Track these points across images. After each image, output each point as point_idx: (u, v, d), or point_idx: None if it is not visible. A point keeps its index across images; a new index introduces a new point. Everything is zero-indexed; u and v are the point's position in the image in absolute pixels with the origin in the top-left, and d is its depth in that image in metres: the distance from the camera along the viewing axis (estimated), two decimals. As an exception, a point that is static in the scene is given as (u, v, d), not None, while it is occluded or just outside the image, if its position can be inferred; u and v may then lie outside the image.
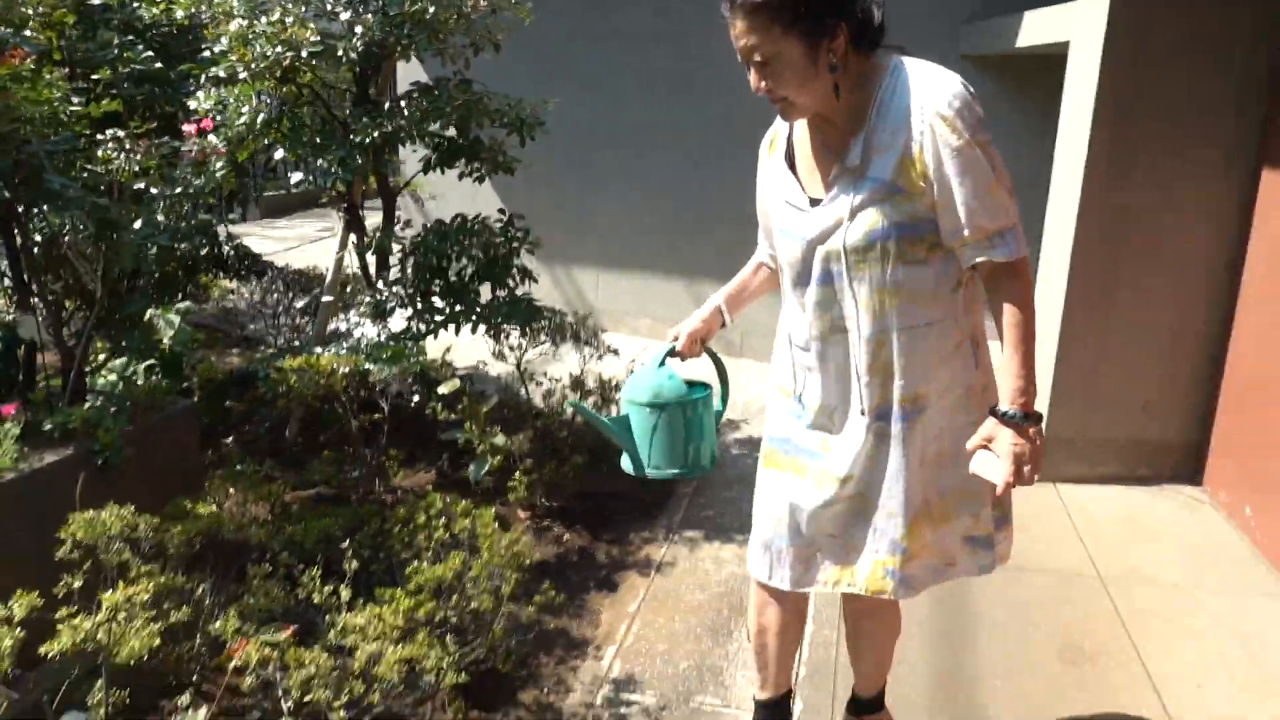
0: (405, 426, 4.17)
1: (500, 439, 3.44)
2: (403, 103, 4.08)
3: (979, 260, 1.68)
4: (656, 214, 6.17)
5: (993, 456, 1.68)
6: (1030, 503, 3.76)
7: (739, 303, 2.13)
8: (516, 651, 2.77)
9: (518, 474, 3.71)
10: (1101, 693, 2.62)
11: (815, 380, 1.87)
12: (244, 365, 4.73)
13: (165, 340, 3.63)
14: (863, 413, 1.82)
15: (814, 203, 1.77)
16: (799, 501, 1.92)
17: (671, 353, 2.04)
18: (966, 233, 1.65)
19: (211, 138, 3.77)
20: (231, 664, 2.11)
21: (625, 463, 2.03)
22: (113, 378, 3.35)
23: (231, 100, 3.88)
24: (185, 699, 2.44)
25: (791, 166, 1.83)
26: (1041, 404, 3.71)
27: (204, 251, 4.80)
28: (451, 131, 4.19)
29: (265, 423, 4.40)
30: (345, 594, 2.33)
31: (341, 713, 2.03)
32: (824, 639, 2.84)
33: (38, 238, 3.24)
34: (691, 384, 2.02)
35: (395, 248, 4.26)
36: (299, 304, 4.75)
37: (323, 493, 3.78)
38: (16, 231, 3.14)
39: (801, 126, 1.82)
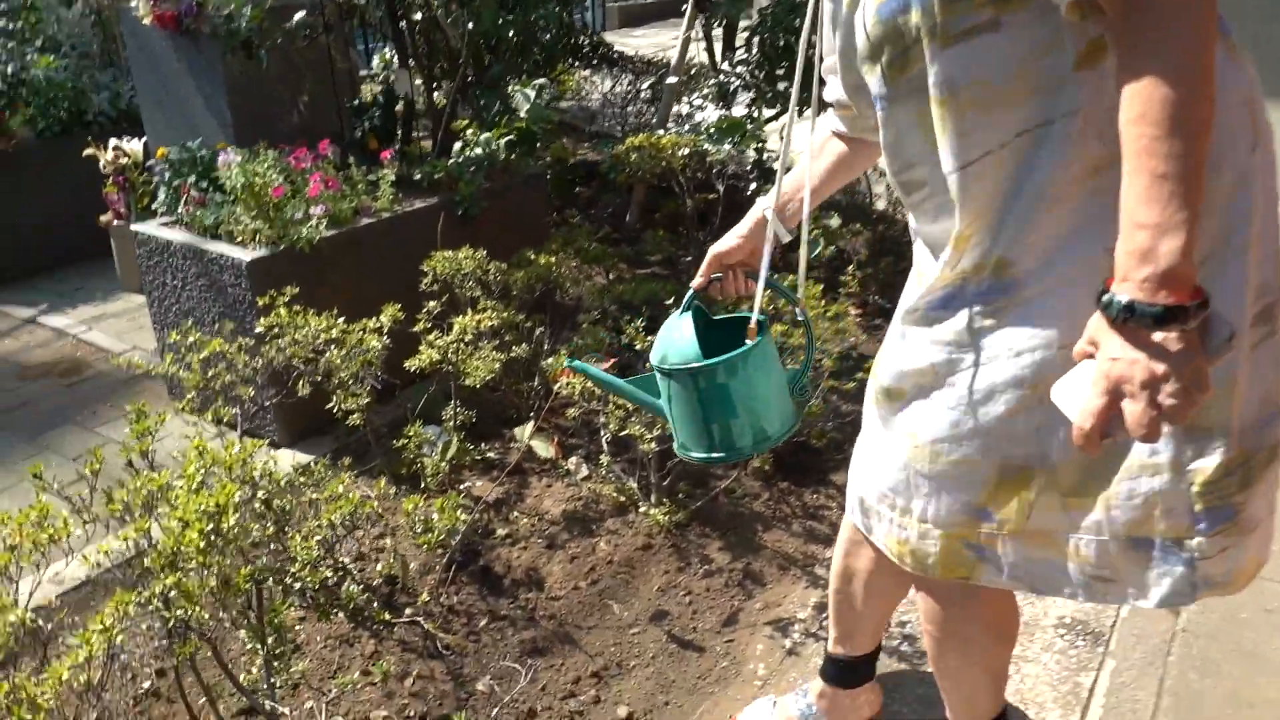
0: (739, 211, 4.09)
1: (835, 221, 3.24)
2: None
3: None
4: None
5: (1087, 375, 0.92)
6: None
7: (803, 202, 1.35)
8: (833, 434, 2.68)
9: (850, 268, 3.52)
10: None
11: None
12: (591, 158, 4.89)
13: (522, 113, 3.81)
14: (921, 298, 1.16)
15: None
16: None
17: (702, 294, 1.42)
18: None
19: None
20: (555, 388, 2.21)
21: None
22: (478, 151, 3.60)
23: None
24: (522, 430, 2.65)
25: None
26: None
27: (562, 42, 4.95)
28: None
29: (608, 208, 4.56)
30: (665, 345, 2.34)
31: (653, 445, 2.07)
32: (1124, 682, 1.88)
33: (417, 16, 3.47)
34: (754, 322, 1.35)
35: (742, 23, 4.06)
36: (644, 86, 4.76)
37: (656, 272, 3.86)
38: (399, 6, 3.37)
39: None
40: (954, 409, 1.12)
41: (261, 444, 1.57)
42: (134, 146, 3.86)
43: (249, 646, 1.53)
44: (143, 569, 1.36)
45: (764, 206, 1.37)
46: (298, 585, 1.39)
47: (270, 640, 1.34)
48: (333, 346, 2.20)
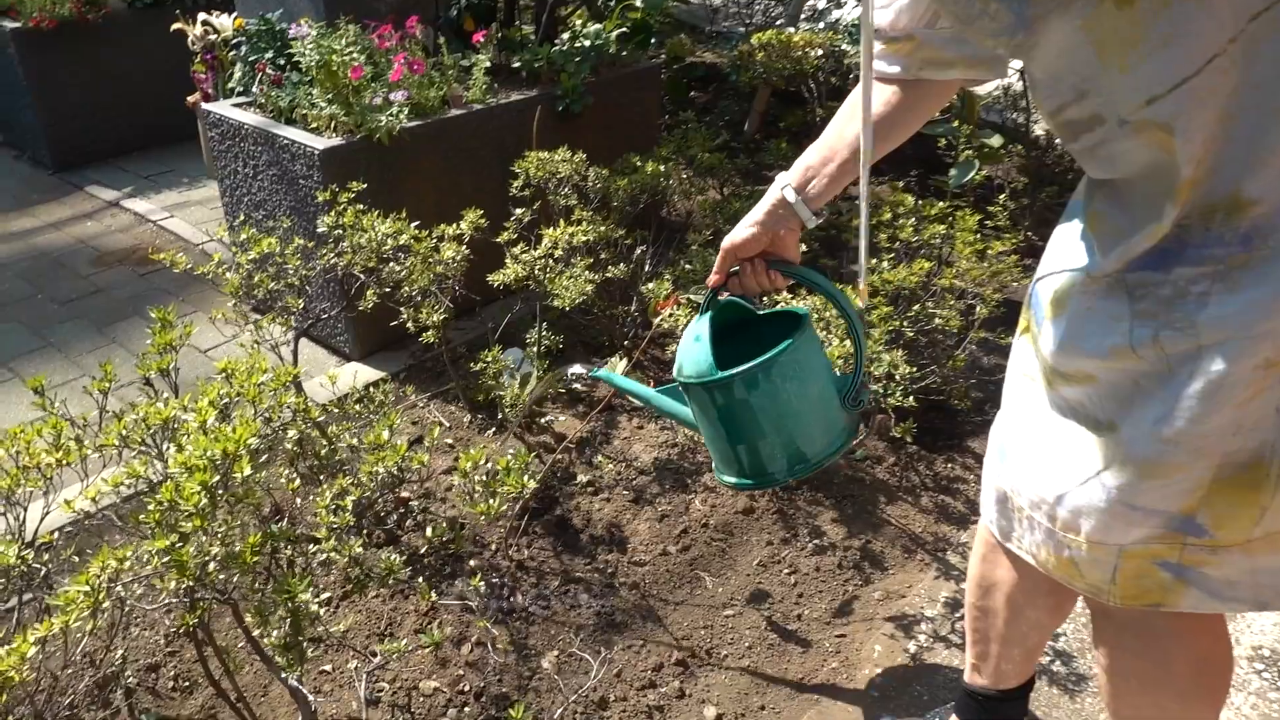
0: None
1: (996, 140, 2.76)
2: None
3: None
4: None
5: None
6: None
7: (833, 179, 1.07)
8: (976, 393, 2.28)
9: (1002, 198, 3.05)
10: None
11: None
12: (709, 60, 4.45)
13: (638, 1, 3.41)
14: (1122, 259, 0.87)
15: None
16: None
17: (719, 295, 1.16)
18: None
19: None
20: (657, 320, 1.89)
21: None
22: (585, 43, 3.23)
23: None
24: (615, 363, 2.34)
25: None
26: None
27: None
28: None
29: (725, 116, 4.15)
30: (788, 276, 1.97)
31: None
32: None
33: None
34: (788, 317, 1.13)
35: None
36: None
37: (775, 189, 3.45)
38: None
39: None
40: (1160, 401, 0.84)
41: (296, 371, 1.29)
42: (224, 22, 3.61)
43: (257, 632, 1.25)
44: (136, 521, 1.10)
45: (783, 184, 1.09)
46: (322, 556, 1.13)
47: (283, 629, 1.08)
48: (401, 254, 1.91)
